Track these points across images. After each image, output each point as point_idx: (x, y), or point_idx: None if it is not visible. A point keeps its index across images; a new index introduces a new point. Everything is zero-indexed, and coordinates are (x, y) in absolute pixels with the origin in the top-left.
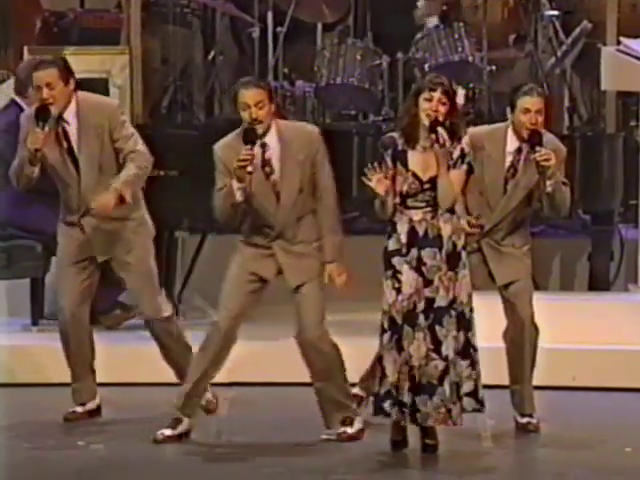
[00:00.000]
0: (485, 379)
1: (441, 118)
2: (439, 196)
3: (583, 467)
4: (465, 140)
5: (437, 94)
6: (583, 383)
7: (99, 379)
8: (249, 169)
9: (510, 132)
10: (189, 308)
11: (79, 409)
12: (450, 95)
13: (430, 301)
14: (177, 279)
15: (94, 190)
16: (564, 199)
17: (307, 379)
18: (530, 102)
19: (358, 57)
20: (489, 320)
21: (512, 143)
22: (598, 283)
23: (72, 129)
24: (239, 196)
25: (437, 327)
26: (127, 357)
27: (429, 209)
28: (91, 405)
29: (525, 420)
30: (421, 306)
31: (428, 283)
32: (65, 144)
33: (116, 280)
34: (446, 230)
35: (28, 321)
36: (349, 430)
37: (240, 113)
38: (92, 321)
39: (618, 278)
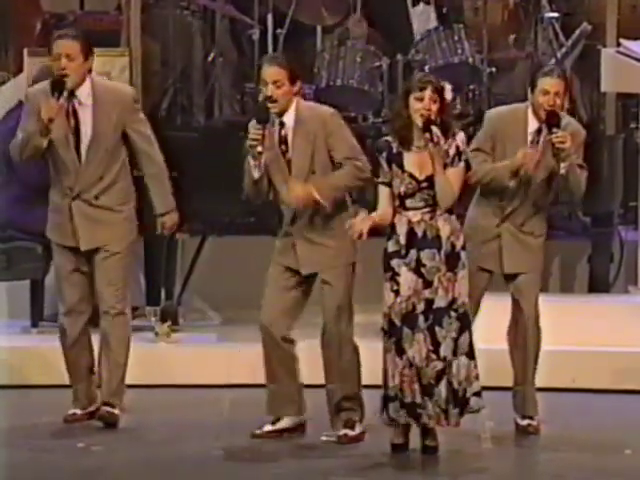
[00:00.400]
0: (484, 380)
1: (433, 116)
2: (438, 195)
3: (582, 469)
4: (460, 137)
5: (428, 92)
6: (583, 385)
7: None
8: (259, 149)
9: (530, 112)
10: (189, 310)
11: (79, 411)
12: (439, 92)
13: (429, 302)
14: (177, 281)
15: (93, 173)
16: (578, 182)
17: (308, 381)
18: (549, 83)
19: (358, 59)
20: (489, 321)
21: (532, 123)
22: (598, 285)
23: (84, 110)
24: (256, 173)
25: (437, 328)
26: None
27: (427, 209)
28: (91, 407)
29: (525, 422)
30: (420, 307)
31: (428, 284)
32: (73, 122)
33: None
34: (445, 230)
35: (28, 323)
36: (350, 433)
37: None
38: (95, 321)
39: (618, 280)
